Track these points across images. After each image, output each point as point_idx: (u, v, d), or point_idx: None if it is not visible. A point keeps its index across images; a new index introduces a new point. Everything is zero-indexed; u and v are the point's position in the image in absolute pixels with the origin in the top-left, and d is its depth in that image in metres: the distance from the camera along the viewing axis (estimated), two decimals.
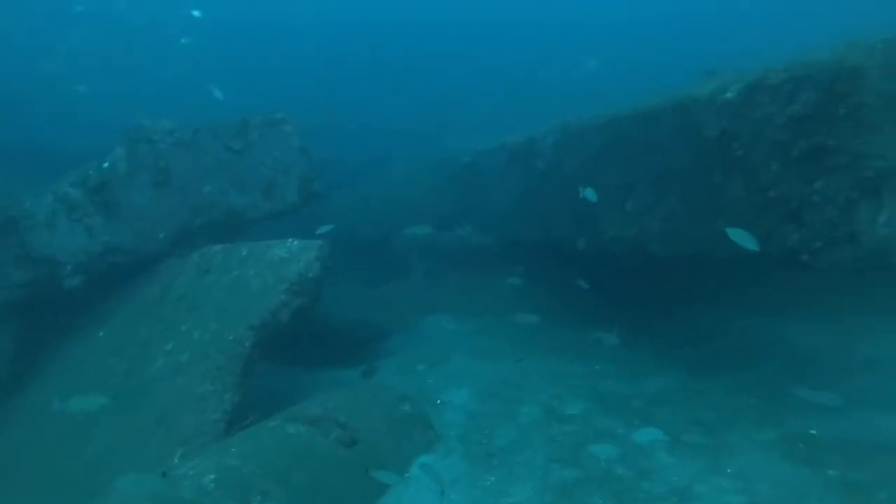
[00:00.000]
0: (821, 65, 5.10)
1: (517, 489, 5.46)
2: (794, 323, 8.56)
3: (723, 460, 5.65)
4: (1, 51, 27.85)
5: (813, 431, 6.05)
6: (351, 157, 16.05)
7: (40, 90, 25.57)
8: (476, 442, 6.45)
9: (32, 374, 8.24)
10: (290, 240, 7.57)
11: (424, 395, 7.92)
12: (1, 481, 7.14)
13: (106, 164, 8.06)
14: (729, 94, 5.92)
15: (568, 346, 8.85)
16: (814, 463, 5.46)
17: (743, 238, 5.46)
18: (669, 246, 7.11)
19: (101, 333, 8.16)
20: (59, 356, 8.26)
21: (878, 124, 4.88)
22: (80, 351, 8.11)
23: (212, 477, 4.73)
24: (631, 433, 6.31)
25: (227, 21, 32.82)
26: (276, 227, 9.25)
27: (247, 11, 34.47)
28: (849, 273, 5.32)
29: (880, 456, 5.41)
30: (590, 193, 7.07)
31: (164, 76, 27.95)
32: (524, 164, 9.59)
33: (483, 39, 35.52)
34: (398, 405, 6.51)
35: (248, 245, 7.91)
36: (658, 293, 8.97)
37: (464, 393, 7.77)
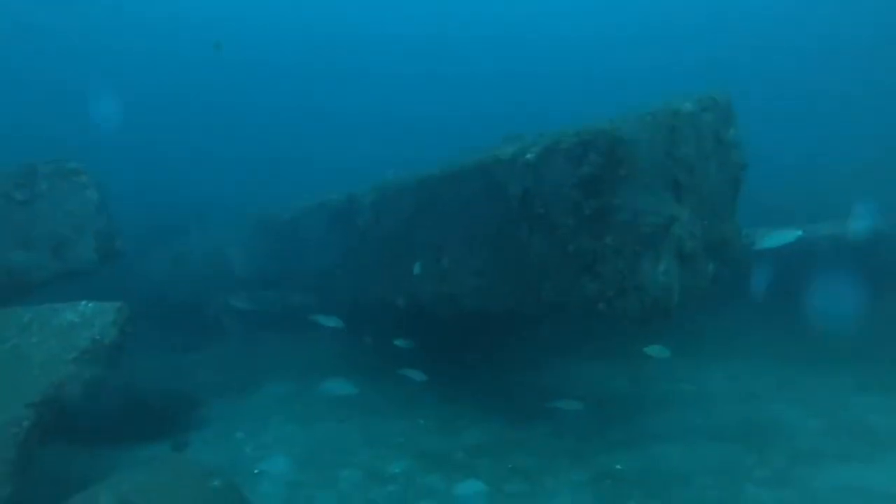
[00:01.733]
0: (602, 132, 5.69)
1: None
2: (597, 369, 9.27)
3: None
4: None
5: (618, 466, 6.49)
6: (166, 212, 15.05)
7: None
8: None
9: None
10: (84, 302, 6.80)
11: (242, 466, 7.37)
12: None
13: None
14: (529, 156, 6.39)
15: (389, 403, 8.78)
16: (619, 497, 5.84)
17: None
18: (483, 301, 7.40)
19: None
20: None
21: (651, 184, 5.52)
22: None
23: None
24: (452, 487, 6.32)
25: None
26: (74, 290, 8.32)
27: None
28: (638, 321, 5.86)
29: (672, 484, 5.93)
30: (417, 268, 7.33)
31: None
32: (344, 223, 9.57)
33: None
34: (206, 481, 5.94)
35: (31, 309, 6.98)
36: (474, 347, 9.27)
37: (282, 460, 7.34)
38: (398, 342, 7.46)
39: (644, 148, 5.57)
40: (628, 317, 5.84)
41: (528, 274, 6.62)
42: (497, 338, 9.48)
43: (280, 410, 9.17)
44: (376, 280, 8.95)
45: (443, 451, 7.26)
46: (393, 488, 6.45)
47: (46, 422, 6.13)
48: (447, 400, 8.85)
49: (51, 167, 7.83)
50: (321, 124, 31.66)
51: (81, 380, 6.24)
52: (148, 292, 12.47)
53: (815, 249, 9.78)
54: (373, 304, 9.29)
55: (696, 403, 7.99)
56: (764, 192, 10.84)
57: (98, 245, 7.96)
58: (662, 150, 5.78)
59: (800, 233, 6.35)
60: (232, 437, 8.42)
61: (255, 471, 7.16)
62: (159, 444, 8.48)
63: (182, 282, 12.58)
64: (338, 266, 9.67)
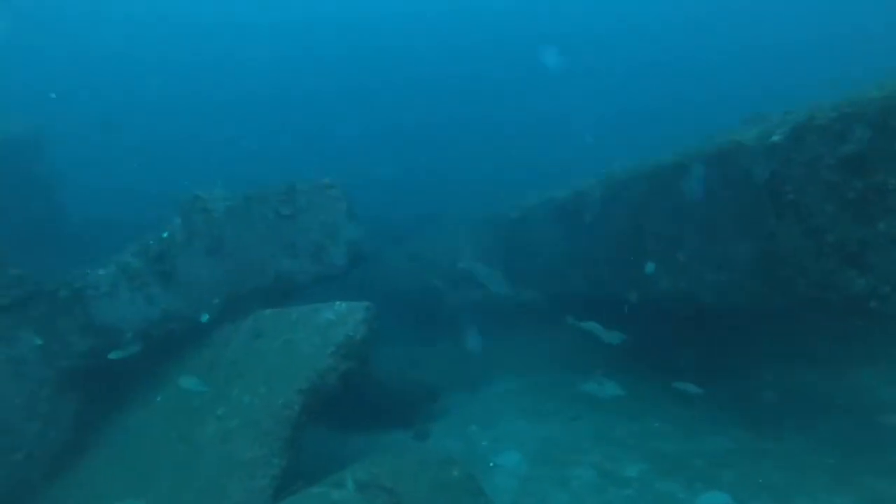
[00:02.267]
0: (870, 101, 4.90)
1: None
2: (864, 375, 7.99)
3: None
4: None
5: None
6: (400, 215, 16.30)
7: None
8: None
9: (95, 439, 8.44)
10: (338, 302, 7.62)
11: (476, 458, 7.70)
12: None
13: (165, 234, 8.40)
14: (776, 138, 5.75)
15: (620, 403, 8.48)
16: None
17: None
18: (724, 296, 6.82)
19: (158, 399, 8.33)
20: (118, 422, 8.45)
21: None
22: (138, 417, 8.27)
23: None
24: (694, 497, 5.92)
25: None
26: (324, 289, 9.40)
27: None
28: None
29: None
30: (650, 267, 7.15)
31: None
32: (571, 218, 9.49)
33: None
34: (447, 470, 6.30)
35: (297, 309, 8.01)
36: (712, 346, 8.56)
37: (516, 456, 7.50)
38: (612, 336, 7.04)
39: None
40: None
41: (778, 267, 5.96)
42: (740, 337, 8.67)
43: (512, 405, 9.42)
44: (608, 275, 8.75)
45: (681, 457, 6.85)
46: (629, 492, 6.25)
47: (312, 406, 7.00)
48: (684, 402, 8.32)
49: (308, 184, 8.92)
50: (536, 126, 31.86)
51: (338, 372, 7.00)
52: (387, 289, 13.64)
53: None
54: (605, 300, 9.10)
55: None
56: None
57: (349, 250, 8.88)
58: None
59: None
60: (466, 430, 8.85)
61: (490, 464, 7.43)
62: (402, 433, 9.23)
63: (417, 279, 13.53)
64: (568, 262, 9.63)
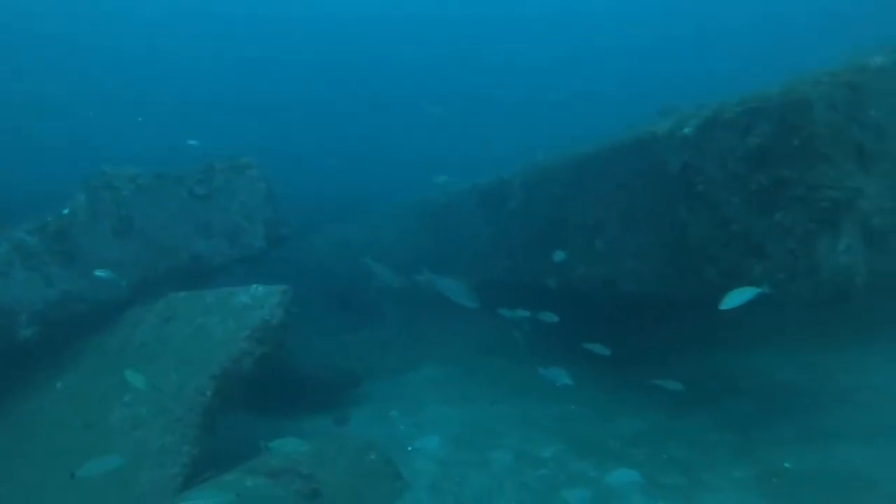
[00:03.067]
0: (771, 98, 5.16)
1: None
2: (767, 357, 8.50)
3: (699, 501, 5.49)
4: None
5: (787, 465, 5.92)
6: (328, 199, 16.02)
7: None
8: (447, 491, 6.23)
9: None
10: (255, 286, 7.41)
11: (396, 443, 7.69)
12: None
13: (66, 211, 7.91)
14: (687, 130, 5.97)
15: (542, 387, 8.67)
16: (789, 499, 5.32)
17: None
18: (640, 283, 7.06)
19: (58, 385, 7.87)
20: (13, 410, 7.93)
21: (829, 154, 4.91)
22: (36, 404, 7.79)
23: None
24: (604, 475, 6.13)
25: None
26: (245, 272, 9.12)
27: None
28: (811, 306, 5.28)
29: (854, 490, 5.29)
30: (559, 255, 7.29)
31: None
32: (495, 205, 9.58)
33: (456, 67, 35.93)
34: (365, 454, 6.28)
35: (212, 292, 7.74)
36: (628, 331, 8.88)
37: (436, 440, 7.55)
38: (544, 315, 7.27)
39: (821, 113, 4.97)
40: (801, 302, 5.28)
41: (689, 256, 6.21)
42: (655, 323, 9.02)
43: (434, 391, 9.46)
44: (528, 262, 8.89)
45: (595, 438, 7.07)
46: (544, 472, 6.40)
47: (226, 392, 6.79)
48: (601, 386, 8.61)
49: (226, 163, 8.61)
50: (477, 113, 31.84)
51: (253, 356, 6.82)
52: (311, 276, 13.41)
53: None
54: (524, 286, 9.25)
55: (886, 400, 7.06)
56: None
57: (267, 232, 8.64)
58: (845, 114, 5.12)
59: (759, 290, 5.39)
60: (387, 415, 8.83)
61: (410, 448, 7.44)
62: (323, 418, 9.11)
63: (342, 266, 13.34)
64: (492, 249, 9.72)
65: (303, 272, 13.16)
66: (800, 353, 8.55)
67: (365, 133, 29.75)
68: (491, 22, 37.05)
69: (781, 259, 5.34)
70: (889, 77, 5.50)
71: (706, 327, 9.10)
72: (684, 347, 9.24)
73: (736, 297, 5.48)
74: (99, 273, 7.44)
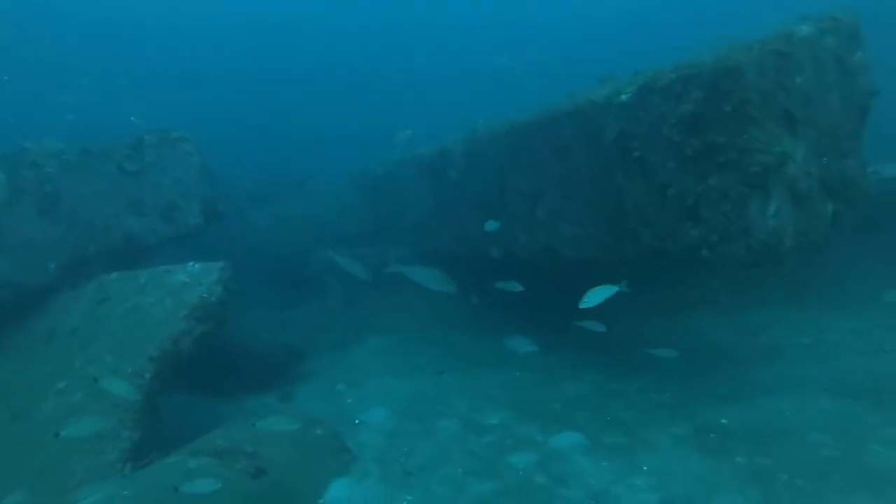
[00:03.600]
0: (704, 65, 5.24)
1: None
2: (700, 319, 8.82)
3: (639, 459, 5.66)
4: None
5: (723, 421, 6.18)
6: (271, 175, 15.60)
7: None
8: (394, 461, 6.23)
9: None
10: (192, 263, 7.19)
11: (343, 417, 7.65)
12: None
13: None
14: (624, 97, 6.02)
15: (487, 356, 8.78)
16: (724, 452, 5.56)
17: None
18: (580, 249, 7.17)
19: None
20: None
21: (760, 120, 5.04)
22: None
23: None
24: (549, 439, 6.26)
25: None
26: (182, 250, 8.82)
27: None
28: (744, 267, 5.46)
29: (783, 440, 5.57)
30: (491, 224, 7.26)
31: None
32: (437, 175, 9.52)
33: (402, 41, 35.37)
34: (310, 430, 6.23)
35: (147, 271, 7.47)
36: (571, 297, 9.03)
37: (382, 412, 7.55)
38: (500, 285, 7.31)
39: (752, 80, 5.08)
40: (734, 263, 5.45)
41: (627, 221, 6.32)
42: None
43: (380, 363, 9.43)
44: (472, 231, 8.89)
45: (540, 403, 7.20)
46: (490, 439, 6.48)
47: (166, 374, 6.60)
48: (545, 352, 8.74)
49: (156, 137, 8.25)
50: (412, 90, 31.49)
51: (193, 335, 6.63)
52: (252, 252, 13.10)
53: None
54: (469, 256, 9.27)
55: (812, 356, 7.43)
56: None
57: (203, 208, 8.36)
58: (773, 81, 5.25)
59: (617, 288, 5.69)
60: (333, 389, 8.76)
61: (357, 421, 7.42)
62: (268, 396, 8.97)
63: (284, 241, 13.08)
64: (433, 219, 9.67)
65: (243, 249, 12.85)
66: (734, 314, 8.90)
67: (306, 110, 29.08)
68: None
69: (716, 222, 5.49)
70: (814, 46, 5.66)
71: (645, 291, 9.36)
72: (625, 312, 9.48)
73: (596, 296, 5.69)
74: None
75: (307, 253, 12.32)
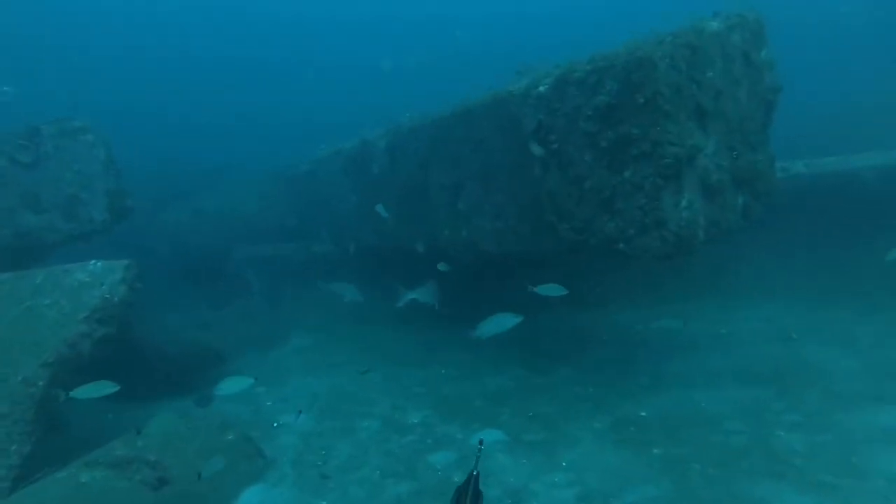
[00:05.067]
0: (618, 56, 5.23)
1: None
2: (621, 312, 8.94)
3: (559, 454, 5.62)
4: None
5: (643, 413, 6.23)
6: (184, 169, 14.94)
7: None
8: (310, 464, 6.00)
9: None
10: (93, 262, 6.71)
11: (262, 419, 7.36)
12: None
13: None
14: (542, 88, 5.97)
15: (410, 353, 8.64)
16: (641, 444, 5.59)
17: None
18: (500, 243, 7.10)
19: None
20: None
21: (672, 112, 5.07)
22: None
23: None
24: (470, 436, 6.16)
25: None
26: (89, 251, 8.26)
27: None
28: (660, 259, 5.50)
29: (697, 429, 5.65)
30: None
31: None
32: (360, 170, 9.29)
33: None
34: (220, 435, 5.91)
35: (43, 271, 6.93)
36: (493, 291, 8.99)
37: (301, 414, 7.29)
38: (441, 266, 7.20)
39: (664, 72, 5.10)
40: (650, 255, 5.48)
41: (545, 214, 6.28)
42: (516, 284, 9.18)
43: (302, 364, 9.14)
44: (395, 227, 8.71)
45: (462, 400, 7.10)
46: (411, 438, 6.33)
47: (63, 380, 6.13)
48: (468, 348, 8.67)
49: (55, 127, 7.68)
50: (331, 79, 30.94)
51: (93, 338, 6.20)
52: (169, 249, 12.50)
53: (859, 181, 9.12)
54: (393, 251, 9.09)
55: (725, 346, 7.64)
56: (800, 120, 10.14)
57: (109, 203, 7.85)
58: (685, 75, 5.30)
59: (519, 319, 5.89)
60: (254, 391, 8.42)
61: (275, 424, 7.13)
62: (184, 399, 8.54)
63: (203, 237, 12.54)
64: (357, 214, 9.43)
65: (160, 247, 12.26)
66: (653, 306, 9.06)
67: (222, 102, 28.20)
68: None
69: (631, 214, 5.50)
70: (723, 41, 5.76)
71: (564, 285, 9.43)
72: (546, 305, 9.51)
73: (493, 325, 5.73)
74: None
75: (228, 250, 11.85)
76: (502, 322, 5.96)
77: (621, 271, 8.69)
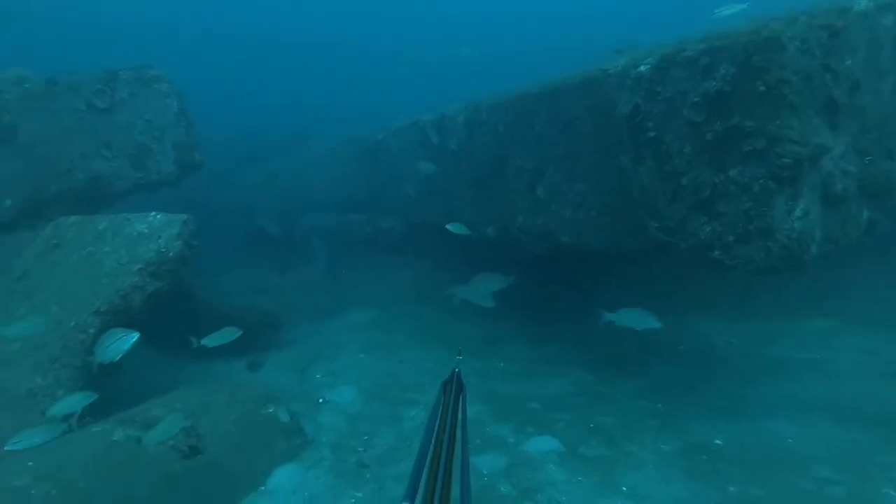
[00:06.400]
0: (738, 35, 4.50)
1: None
2: (703, 322, 8.15)
3: (619, 476, 5.06)
4: None
5: (718, 441, 5.54)
6: (263, 136, 14.94)
7: None
8: (351, 450, 5.68)
9: None
10: (154, 213, 6.58)
11: (308, 393, 7.12)
12: None
13: None
14: (643, 68, 5.29)
15: (470, 339, 8.18)
16: (714, 477, 4.93)
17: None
18: (579, 236, 6.49)
19: None
20: None
21: (797, 105, 4.32)
22: None
23: None
24: (523, 441, 5.67)
25: None
26: (158, 203, 8.21)
27: None
28: (760, 272, 4.78)
29: (782, 470, 4.93)
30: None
31: None
32: (435, 144, 8.82)
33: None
34: (261, 407, 5.66)
35: (107, 218, 6.89)
36: (567, 286, 8.38)
37: (350, 392, 6.98)
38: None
39: (793, 57, 4.35)
40: (750, 267, 4.77)
41: (632, 209, 5.64)
42: (592, 278, 8.53)
43: (358, 338, 8.87)
44: (467, 207, 8.22)
45: (518, 399, 6.60)
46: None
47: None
48: (532, 342, 8.14)
49: (132, 73, 7.58)
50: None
51: (145, 292, 6.06)
52: (239, 211, 12.50)
53: None
54: (462, 234, 8.62)
55: (821, 376, 6.76)
56: None
57: (177, 156, 7.70)
58: (819, 61, 4.52)
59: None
60: (304, 362, 8.21)
61: (320, 400, 6.87)
62: (237, 362, 8.45)
63: (273, 202, 12.45)
64: (428, 191, 8.98)
65: (229, 207, 12.25)
66: (738, 320, 8.22)
67: (300, 75, 28.39)
68: None
69: (733, 219, 4.80)
70: (871, 24, 4.90)
71: (644, 287, 8.69)
72: (620, 306, 8.82)
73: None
74: None
75: (296, 216, 11.70)
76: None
77: (710, 278, 7.88)
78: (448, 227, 6.77)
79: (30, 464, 4.19)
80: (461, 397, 2.31)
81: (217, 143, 10.44)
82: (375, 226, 10.92)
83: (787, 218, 4.48)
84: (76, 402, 4.88)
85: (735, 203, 4.80)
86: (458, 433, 2.01)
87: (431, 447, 1.89)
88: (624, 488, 4.87)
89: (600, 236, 6.30)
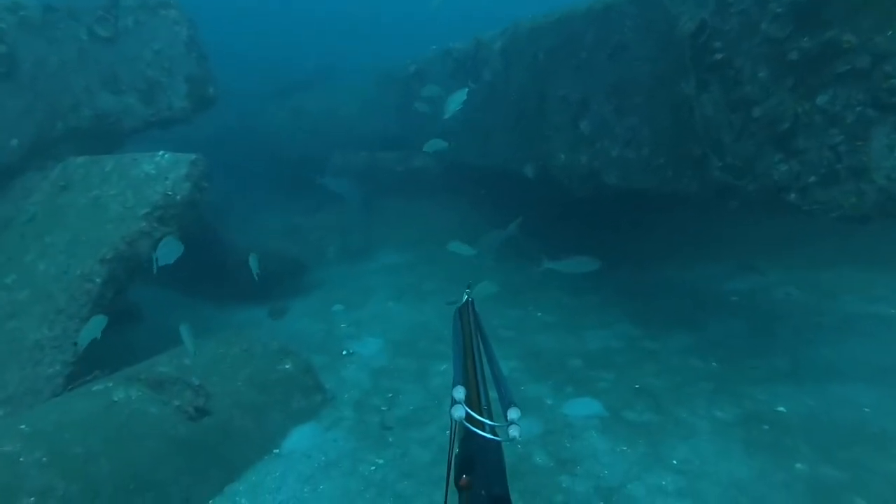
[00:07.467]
0: None
1: (403, 483, 4.27)
2: (767, 273, 7.40)
3: (668, 447, 4.51)
4: None
5: (781, 408, 4.93)
6: (290, 67, 14.21)
7: None
8: (374, 409, 5.26)
9: None
10: (161, 153, 6.08)
11: (331, 343, 6.72)
12: None
13: None
14: None
15: (505, 288, 7.61)
16: (779, 452, 4.35)
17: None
18: (627, 177, 5.77)
19: None
20: None
21: None
22: None
23: None
24: (561, 404, 5.16)
25: None
26: (178, 141, 7.72)
27: None
28: (848, 221, 4.04)
29: (858, 446, 4.31)
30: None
31: None
32: (470, 75, 8.04)
33: None
34: (277, 363, 5.24)
35: (114, 158, 6.42)
36: (612, 232, 7.67)
37: (377, 343, 6.57)
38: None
39: None
40: (836, 213, 4.04)
41: (692, 145, 4.89)
42: (643, 225, 7.80)
43: (386, 284, 8.42)
44: (504, 144, 7.50)
45: (558, 355, 6.07)
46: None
47: (119, 279, 5.66)
48: (573, 292, 7.53)
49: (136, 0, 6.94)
50: None
51: (152, 238, 5.61)
52: (266, 150, 11.97)
53: None
54: (498, 173, 7.95)
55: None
56: None
57: (189, 91, 7.14)
58: None
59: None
60: (331, 308, 7.81)
61: (344, 352, 6.46)
62: (259, 308, 8.10)
63: (301, 139, 11.87)
64: (463, 126, 8.26)
65: (255, 146, 11.72)
66: (804, 269, 7.46)
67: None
68: None
69: (816, 156, 4.04)
70: None
71: (701, 233, 7.93)
72: (673, 254, 8.13)
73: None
74: None
75: (324, 154, 11.11)
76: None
77: (774, 225, 7.08)
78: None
79: (22, 426, 3.85)
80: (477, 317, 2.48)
81: (243, 76, 9.83)
82: (408, 164, 10.29)
83: (888, 155, 3.71)
84: (94, 327, 4.69)
85: (820, 137, 4.02)
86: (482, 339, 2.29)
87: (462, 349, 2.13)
88: (674, 461, 4.34)
89: (650, 178, 5.57)
